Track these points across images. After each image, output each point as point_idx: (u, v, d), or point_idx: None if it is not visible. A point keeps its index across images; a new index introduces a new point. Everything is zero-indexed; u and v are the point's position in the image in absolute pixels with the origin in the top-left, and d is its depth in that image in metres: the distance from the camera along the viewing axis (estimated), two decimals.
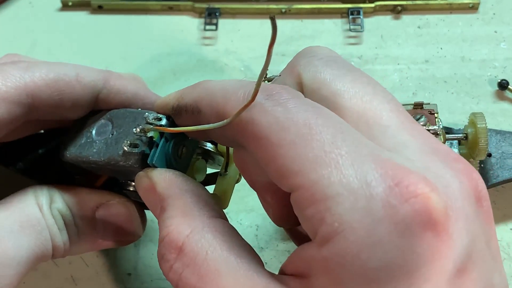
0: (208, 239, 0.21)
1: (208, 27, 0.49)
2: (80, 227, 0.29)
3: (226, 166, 0.30)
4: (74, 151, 0.28)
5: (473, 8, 0.50)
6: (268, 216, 0.26)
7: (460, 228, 0.18)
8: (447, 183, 0.19)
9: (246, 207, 0.40)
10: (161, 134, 0.26)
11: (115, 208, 0.29)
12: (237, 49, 0.49)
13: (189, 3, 0.51)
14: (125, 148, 0.25)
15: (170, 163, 0.26)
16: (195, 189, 0.24)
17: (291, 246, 0.38)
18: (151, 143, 0.25)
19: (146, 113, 0.26)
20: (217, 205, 0.24)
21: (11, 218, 0.26)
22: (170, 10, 0.51)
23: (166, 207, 0.23)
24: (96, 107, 0.29)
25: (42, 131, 0.33)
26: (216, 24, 0.50)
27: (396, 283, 0.17)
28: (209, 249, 0.21)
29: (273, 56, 0.49)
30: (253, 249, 0.22)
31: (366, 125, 0.21)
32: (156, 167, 0.25)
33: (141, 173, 0.25)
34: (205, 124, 0.23)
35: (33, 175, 0.30)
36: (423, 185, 0.18)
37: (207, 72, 0.48)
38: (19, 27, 0.52)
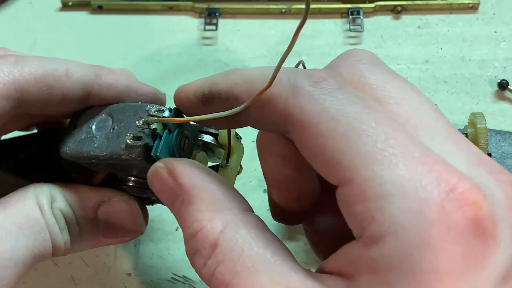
0: (243, 235, 0.21)
1: (208, 27, 0.49)
2: (82, 225, 0.28)
3: (227, 158, 0.30)
4: (74, 147, 0.27)
5: (473, 8, 0.50)
6: (267, 217, 0.26)
7: (506, 237, 0.18)
8: (493, 193, 0.19)
9: None
10: (164, 126, 0.26)
11: (117, 206, 0.29)
12: (237, 49, 0.49)
13: (189, 3, 0.51)
14: (128, 141, 0.25)
15: (173, 155, 0.26)
16: (220, 181, 0.23)
17: (291, 246, 0.38)
18: (154, 135, 0.25)
19: (148, 106, 0.26)
20: (243, 198, 0.24)
21: (10, 219, 0.26)
22: (170, 10, 0.51)
23: (192, 200, 0.22)
24: (90, 102, 0.29)
25: (36, 130, 0.33)
26: (216, 24, 0.50)
27: (444, 287, 0.17)
28: (245, 246, 0.20)
29: (273, 56, 0.49)
30: (285, 246, 0.22)
31: (414, 131, 0.20)
32: (160, 159, 0.25)
33: (158, 164, 0.25)
34: (243, 112, 0.22)
35: (25, 174, 0.29)
36: (476, 193, 0.18)
37: (207, 72, 0.48)
38: (19, 27, 0.52)
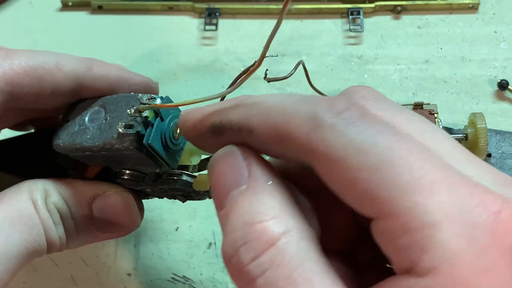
0: (307, 246, 0.20)
1: (208, 27, 0.50)
2: (77, 220, 0.28)
3: None
4: (67, 140, 0.27)
5: (473, 8, 0.50)
6: None
7: None
8: None
9: None
10: (156, 114, 0.26)
11: (112, 199, 0.29)
12: (237, 49, 0.49)
13: (189, 3, 0.51)
14: (120, 130, 0.25)
15: (166, 144, 0.26)
16: (290, 189, 0.22)
17: None
18: (146, 123, 0.25)
19: (140, 95, 0.26)
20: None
21: (2, 214, 0.26)
22: (170, 10, 0.51)
23: (259, 192, 0.21)
24: (82, 95, 0.29)
25: (33, 130, 0.33)
26: (216, 24, 0.50)
27: None
28: (306, 256, 0.19)
29: (273, 57, 0.48)
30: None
31: None
32: (152, 147, 0.25)
33: (232, 146, 0.22)
34: (258, 143, 0.21)
35: (21, 173, 0.29)
36: None
37: (207, 72, 0.48)
38: (19, 27, 0.52)
